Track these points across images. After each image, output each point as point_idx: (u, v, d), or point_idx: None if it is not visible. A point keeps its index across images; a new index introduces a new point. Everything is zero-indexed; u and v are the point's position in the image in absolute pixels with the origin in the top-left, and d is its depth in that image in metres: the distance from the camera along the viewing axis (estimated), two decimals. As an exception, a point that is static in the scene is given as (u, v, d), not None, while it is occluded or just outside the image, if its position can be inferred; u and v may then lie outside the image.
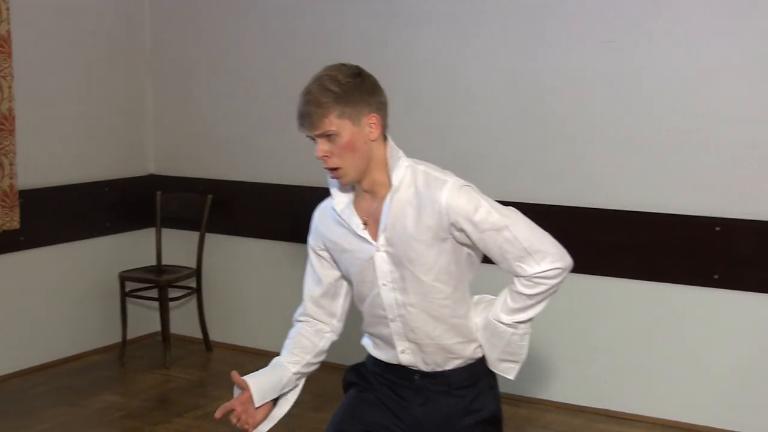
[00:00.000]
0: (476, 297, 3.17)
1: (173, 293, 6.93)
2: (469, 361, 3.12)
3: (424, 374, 3.12)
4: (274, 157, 6.83)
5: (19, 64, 6.18)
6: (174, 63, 7.26)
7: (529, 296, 2.98)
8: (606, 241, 5.73)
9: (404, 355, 3.11)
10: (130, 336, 6.99)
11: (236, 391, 3.18)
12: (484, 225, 2.93)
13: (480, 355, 3.13)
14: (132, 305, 7.06)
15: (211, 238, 7.04)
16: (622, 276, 5.73)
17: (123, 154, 7.19)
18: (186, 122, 7.25)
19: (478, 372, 3.13)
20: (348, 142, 2.91)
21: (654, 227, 5.60)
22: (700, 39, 5.41)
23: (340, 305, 3.30)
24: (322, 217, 3.21)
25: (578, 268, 5.91)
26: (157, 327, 7.23)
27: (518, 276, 2.98)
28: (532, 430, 5.49)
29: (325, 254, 3.22)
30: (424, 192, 2.96)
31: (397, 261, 3.00)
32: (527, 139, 5.91)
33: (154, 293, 6.93)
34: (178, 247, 7.20)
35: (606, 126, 5.68)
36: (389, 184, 2.99)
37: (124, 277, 6.82)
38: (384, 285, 3.04)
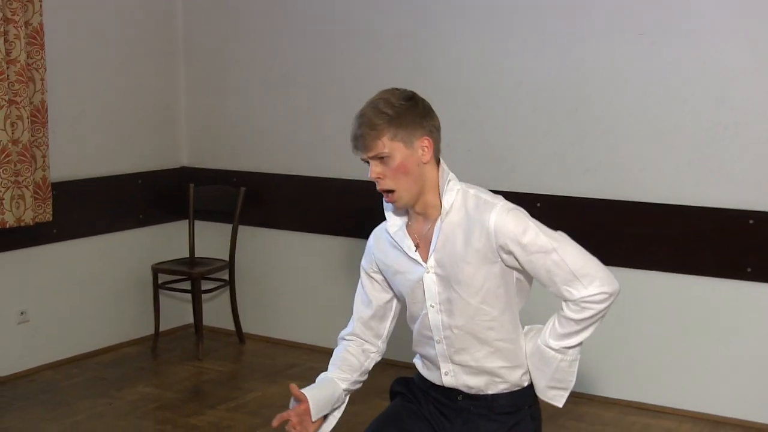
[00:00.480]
0: (527, 327, 3.18)
1: (206, 285, 6.95)
2: (514, 388, 3.14)
3: (466, 396, 3.15)
4: (307, 150, 6.84)
5: (52, 56, 6.21)
6: (207, 54, 7.28)
7: (577, 321, 2.99)
8: (639, 234, 5.72)
9: (447, 377, 3.15)
10: (163, 328, 7.02)
11: (293, 403, 3.19)
12: (532, 247, 2.95)
13: (527, 383, 3.15)
14: (165, 297, 7.09)
15: (244, 231, 7.05)
16: (654, 269, 5.71)
17: (156, 146, 7.22)
18: (219, 114, 7.27)
19: (523, 400, 3.15)
20: (400, 164, 2.95)
21: (687, 220, 5.58)
22: (735, 32, 5.37)
23: (386, 327, 3.35)
24: (376, 240, 3.27)
25: (611, 260, 5.89)
26: (189, 319, 7.26)
27: (566, 300, 3.00)
28: (565, 422, 5.48)
29: (377, 276, 3.30)
30: (473, 215, 2.99)
31: (445, 283, 3.04)
32: (561, 132, 5.89)
33: (187, 285, 6.95)
34: (210, 239, 7.22)
35: (640, 119, 5.66)
36: (441, 207, 3.03)
37: (157, 270, 6.85)
38: (432, 306, 3.09)
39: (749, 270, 5.44)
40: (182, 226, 7.24)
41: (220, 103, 7.24)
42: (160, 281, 6.89)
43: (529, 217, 3.02)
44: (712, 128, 5.46)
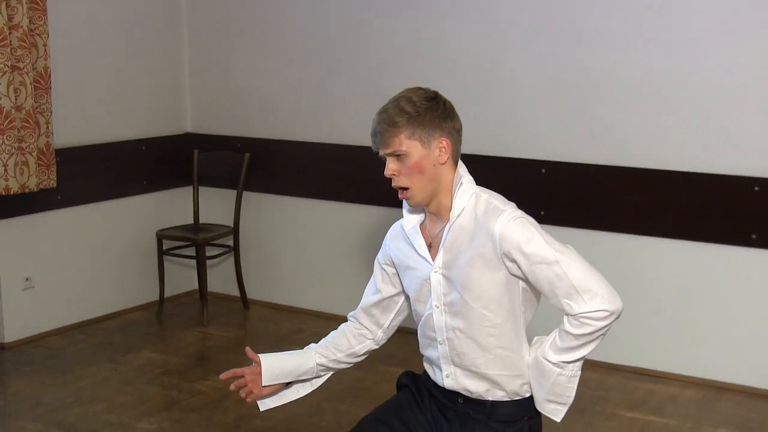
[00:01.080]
0: (537, 337, 3.17)
1: (211, 251, 6.96)
2: (515, 397, 3.12)
3: (467, 399, 3.15)
4: (312, 116, 6.83)
5: (55, 21, 6.19)
6: (211, 20, 7.25)
7: (576, 336, 2.96)
8: (643, 201, 5.71)
9: (448, 379, 3.15)
10: (167, 294, 7.04)
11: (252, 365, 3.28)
12: (534, 257, 2.93)
13: (528, 393, 3.14)
14: (169, 263, 7.10)
15: (249, 197, 7.06)
16: (658, 235, 5.71)
17: (160, 112, 7.21)
18: (223, 80, 7.25)
19: (523, 411, 3.13)
20: (416, 163, 2.97)
21: (691, 187, 5.57)
22: (740, -4, 5.36)
23: (389, 319, 3.38)
24: (393, 235, 3.29)
25: (615, 227, 5.93)
26: (194, 285, 7.28)
27: (566, 314, 2.97)
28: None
29: (389, 269, 3.31)
30: (481, 220, 2.99)
31: (451, 284, 3.05)
32: (568, 98, 5.87)
33: (191, 251, 6.96)
34: (215, 205, 7.22)
35: (644, 85, 5.64)
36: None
37: (161, 236, 6.86)
38: (436, 306, 3.10)
39: (754, 237, 5.44)
40: (187, 192, 7.24)
41: (225, 69, 7.23)
42: (164, 247, 6.90)
43: (537, 226, 2.99)
44: (720, 95, 5.44)
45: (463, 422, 3.12)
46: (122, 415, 5.24)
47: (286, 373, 3.25)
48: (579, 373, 3.07)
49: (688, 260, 5.66)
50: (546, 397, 3.08)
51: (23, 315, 6.33)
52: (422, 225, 3.17)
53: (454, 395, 3.17)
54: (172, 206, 7.27)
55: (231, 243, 7.04)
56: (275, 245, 7.14)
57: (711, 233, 5.56)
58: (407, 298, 3.30)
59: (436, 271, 3.08)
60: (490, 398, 3.11)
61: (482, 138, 6.03)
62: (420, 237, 3.14)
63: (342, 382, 5.29)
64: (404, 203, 3.17)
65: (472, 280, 2.99)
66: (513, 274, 2.99)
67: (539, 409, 3.13)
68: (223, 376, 3.22)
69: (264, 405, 3.34)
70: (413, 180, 2.98)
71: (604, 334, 2.99)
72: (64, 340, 6.40)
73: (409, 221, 3.19)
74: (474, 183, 3.08)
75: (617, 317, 2.96)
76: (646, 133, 5.67)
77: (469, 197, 3.03)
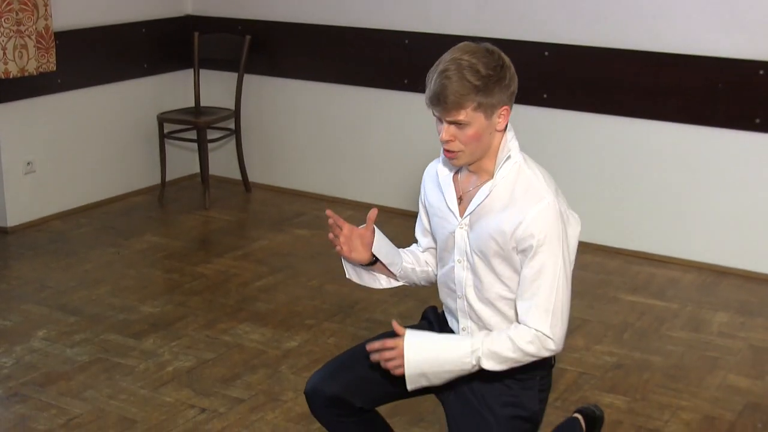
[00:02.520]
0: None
1: (212, 135, 6.94)
2: None
3: None
4: (312, -3, 6.76)
5: None
6: None
7: (524, 354, 2.88)
8: (648, 84, 5.67)
9: (464, 332, 3.10)
10: (169, 178, 7.04)
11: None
12: (540, 254, 2.86)
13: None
14: (171, 147, 7.08)
15: (250, 79, 7.01)
16: (662, 119, 5.68)
17: (159, -6, 7.13)
18: (222, -39, 7.16)
19: (536, 371, 3.07)
20: (476, 133, 2.87)
21: (696, 70, 5.52)
22: None
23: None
24: (428, 177, 3.20)
25: (619, 110, 5.89)
26: (196, 168, 7.27)
27: (518, 318, 2.91)
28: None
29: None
30: (518, 198, 2.91)
31: (474, 244, 2.99)
32: (569, -22, 5.81)
33: (192, 135, 6.94)
34: (216, 88, 7.17)
35: (650, -35, 5.57)
36: (492, 175, 2.96)
37: (162, 119, 6.82)
38: (459, 261, 3.05)
39: (757, 121, 5.41)
40: (187, 75, 7.19)
41: (224, -50, 7.13)
42: (165, 131, 6.87)
43: (565, 234, 2.92)
44: (725, -24, 5.38)
45: (472, 377, 3.03)
46: (126, 298, 5.28)
47: (385, 254, 3.17)
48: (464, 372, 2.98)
49: (691, 144, 5.64)
50: (425, 371, 2.94)
51: (25, 199, 6.33)
52: (455, 175, 3.08)
53: None
54: (172, 89, 7.22)
55: (232, 126, 7.01)
56: (276, 128, 7.11)
57: (715, 117, 5.53)
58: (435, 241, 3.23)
59: (461, 227, 3.02)
60: None
61: (484, 20, 5.96)
62: (452, 188, 3.06)
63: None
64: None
65: (489, 249, 2.94)
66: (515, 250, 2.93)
67: (407, 375, 2.95)
68: (329, 212, 3.09)
69: (348, 273, 3.26)
70: (468, 146, 2.88)
71: (516, 363, 2.91)
72: (66, 224, 6.42)
73: (444, 168, 3.10)
74: (519, 151, 2.99)
75: (540, 357, 2.92)
76: (651, 15, 5.60)
77: (512, 168, 2.95)
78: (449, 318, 3.21)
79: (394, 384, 3.06)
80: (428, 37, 6.18)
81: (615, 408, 4.16)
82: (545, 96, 5.83)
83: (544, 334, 2.86)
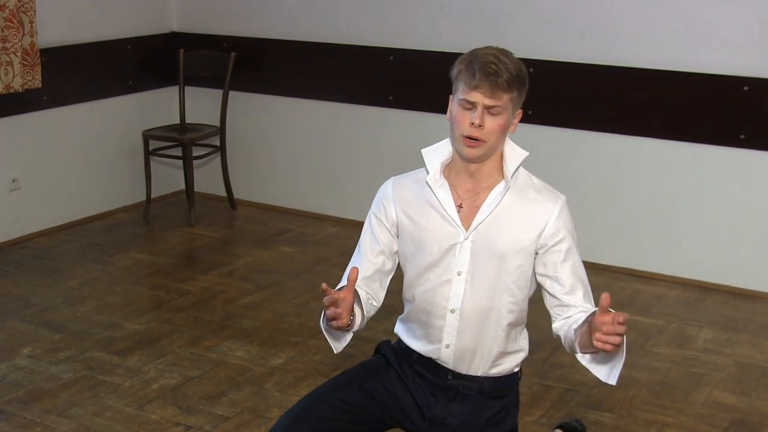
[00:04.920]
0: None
1: (197, 151, 6.92)
2: (506, 373, 3.07)
3: (456, 375, 3.05)
4: (299, 14, 6.75)
5: None
6: None
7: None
8: (633, 100, 5.69)
9: (448, 350, 3.03)
10: (154, 194, 7.02)
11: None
12: (569, 245, 3.03)
13: (517, 369, 3.11)
14: (156, 164, 7.07)
15: (235, 96, 7.01)
16: (647, 135, 5.70)
17: (145, 10, 7.11)
18: (207, -22, 7.16)
19: (511, 385, 3.10)
20: (504, 124, 2.90)
21: (681, 86, 5.54)
22: None
23: (388, 283, 3.16)
24: (400, 189, 3.10)
25: (604, 126, 5.91)
26: (181, 185, 7.26)
27: (569, 305, 2.98)
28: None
29: (390, 226, 3.11)
30: (535, 198, 2.97)
31: (481, 254, 2.95)
32: (553, -4, 5.83)
33: (177, 152, 6.92)
34: (201, 105, 7.17)
35: (634, -18, 5.59)
36: (497, 179, 2.97)
37: (147, 136, 6.81)
38: (459, 274, 2.97)
39: (742, 137, 5.43)
40: (172, 92, 7.19)
41: (210, -33, 7.14)
42: (150, 147, 6.85)
43: None
44: (709, -7, 5.40)
45: (450, 398, 3.04)
46: (111, 315, 5.26)
47: (366, 311, 3.03)
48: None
49: (676, 160, 5.65)
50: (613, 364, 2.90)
51: (11, 216, 6.31)
52: (450, 184, 3.01)
53: (443, 370, 3.06)
54: (157, 106, 7.22)
55: (217, 143, 7.00)
56: (262, 145, 7.10)
57: (699, 133, 5.55)
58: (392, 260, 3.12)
59: (467, 238, 2.95)
60: (481, 373, 3.03)
61: (469, 36, 5.97)
62: (451, 198, 2.99)
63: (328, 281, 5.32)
64: (427, 159, 3.02)
65: (511, 253, 2.93)
66: (536, 252, 2.97)
67: (610, 381, 2.92)
68: (325, 286, 2.82)
69: (336, 349, 3.08)
70: (491, 137, 2.87)
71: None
72: (51, 241, 6.40)
73: (434, 178, 3.01)
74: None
75: None
76: (635, 31, 5.63)
77: (520, 171, 3.00)
78: (420, 339, 3.09)
79: (359, 422, 3.03)
80: (413, 54, 6.19)
81: (601, 425, 4.16)
82: (530, 112, 5.83)
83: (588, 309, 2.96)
